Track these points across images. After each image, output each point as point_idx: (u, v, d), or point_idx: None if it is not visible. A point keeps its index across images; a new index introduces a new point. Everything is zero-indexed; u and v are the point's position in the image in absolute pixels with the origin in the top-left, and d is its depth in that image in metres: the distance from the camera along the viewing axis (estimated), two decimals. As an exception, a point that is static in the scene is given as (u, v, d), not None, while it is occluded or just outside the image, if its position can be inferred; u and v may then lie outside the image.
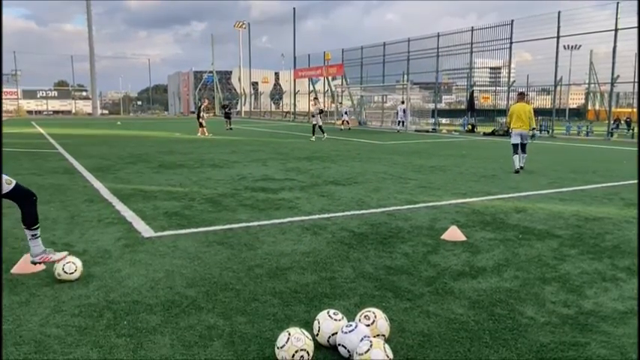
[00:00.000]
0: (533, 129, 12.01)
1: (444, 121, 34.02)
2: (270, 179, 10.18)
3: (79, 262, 4.47)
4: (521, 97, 12.60)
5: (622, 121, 29.94)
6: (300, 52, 46.03)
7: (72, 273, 4.34)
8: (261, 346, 3.21)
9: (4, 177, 4.37)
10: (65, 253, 4.67)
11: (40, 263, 4.55)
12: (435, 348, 3.19)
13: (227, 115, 30.11)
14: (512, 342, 3.27)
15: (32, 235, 4.57)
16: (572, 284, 4.31)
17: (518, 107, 11.81)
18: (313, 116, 22.55)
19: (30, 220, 4.56)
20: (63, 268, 4.34)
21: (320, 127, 21.63)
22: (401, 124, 30.15)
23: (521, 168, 11.50)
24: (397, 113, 31.14)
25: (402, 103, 31.00)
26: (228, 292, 4.09)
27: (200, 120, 23.96)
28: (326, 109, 40.92)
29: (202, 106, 24.83)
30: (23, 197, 4.56)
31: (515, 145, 11.55)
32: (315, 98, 29.28)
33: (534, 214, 7.00)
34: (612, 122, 26.46)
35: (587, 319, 3.61)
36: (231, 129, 28.69)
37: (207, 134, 23.45)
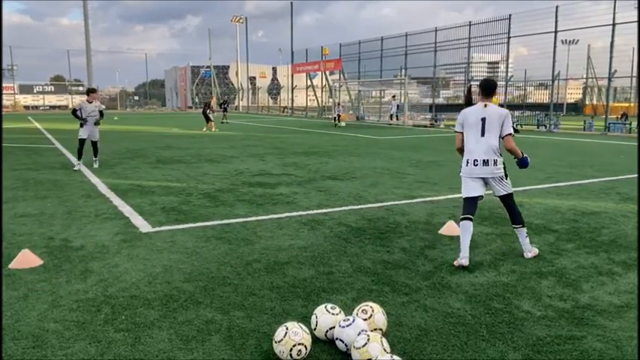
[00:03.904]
0: None
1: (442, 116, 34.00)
2: (268, 174, 10.18)
3: None
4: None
5: (628, 117, 29.83)
6: (295, 46, 46.05)
7: None
8: (258, 340, 3.22)
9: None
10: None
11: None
12: (432, 342, 3.20)
13: (225, 110, 32.67)
14: (509, 335, 3.29)
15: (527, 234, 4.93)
16: (568, 278, 4.33)
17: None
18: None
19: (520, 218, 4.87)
20: None
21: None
22: (394, 117, 31.03)
23: None
24: (391, 108, 32.08)
25: (394, 98, 32.66)
26: (225, 287, 4.10)
27: (208, 115, 24.24)
28: (323, 104, 41.00)
29: (210, 102, 25.33)
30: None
31: None
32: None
33: (531, 208, 7.02)
34: (620, 117, 26.62)
35: (584, 313, 3.63)
36: (227, 122, 30.34)
37: (214, 129, 23.73)
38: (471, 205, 4.82)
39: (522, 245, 4.89)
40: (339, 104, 31.99)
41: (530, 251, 4.89)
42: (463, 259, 4.60)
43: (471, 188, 4.79)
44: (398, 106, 31.99)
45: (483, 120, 4.69)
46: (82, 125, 10.98)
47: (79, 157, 10.99)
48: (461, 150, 4.90)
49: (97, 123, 11.16)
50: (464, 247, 4.65)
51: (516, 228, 4.85)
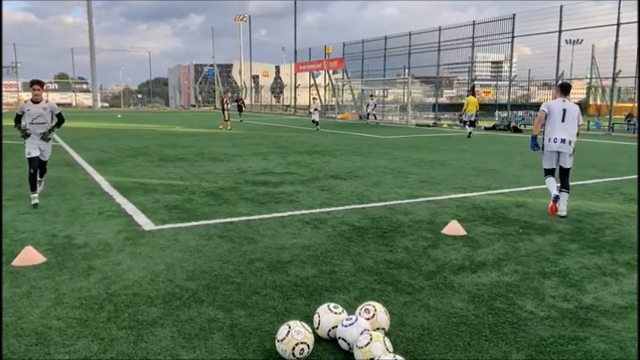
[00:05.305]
0: (478, 112, 21.74)
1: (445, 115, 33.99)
2: (271, 173, 10.17)
3: None
4: (472, 92, 22.32)
5: (633, 117, 29.55)
6: (298, 45, 45.98)
7: None
8: (261, 339, 3.22)
9: None
10: None
11: None
12: (435, 341, 3.20)
13: (240, 108, 33.67)
14: (512, 336, 3.28)
15: None
16: (571, 279, 4.32)
17: (473, 99, 20.64)
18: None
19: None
20: None
21: None
22: (371, 116, 31.47)
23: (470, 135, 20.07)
24: (367, 106, 32.70)
25: (371, 97, 33.54)
26: (228, 285, 4.10)
27: (226, 112, 24.71)
28: (326, 102, 40.93)
29: (224, 99, 26.02)
30: None
31: (470, 122, 20.50)
32: None
33: (535, 208, 7.00)
34: (625, 117, 26.49)
35: (587, 314, 3.62)
36: (241, 121, 31.11)
37: (222, 127, 24.19)
38: (550, 172, 6.69)
39: (561, 204, 6.49)
40: (315, 98, 29.96)
41: (564, 211, 6.46)
42: (554, 192, 6.53)
43: (550, 162, 6.67)
44: (375, 105, 32.27)
45: (564, 110, 6.51)
46: (27, 136, 7.20)
47: (33, 188, 7.09)
48: (537, 127, 6.82)
49: (45, 136, 7.26)
50: (553, 190, 6.57)
51: (563, 191, 6.51)
